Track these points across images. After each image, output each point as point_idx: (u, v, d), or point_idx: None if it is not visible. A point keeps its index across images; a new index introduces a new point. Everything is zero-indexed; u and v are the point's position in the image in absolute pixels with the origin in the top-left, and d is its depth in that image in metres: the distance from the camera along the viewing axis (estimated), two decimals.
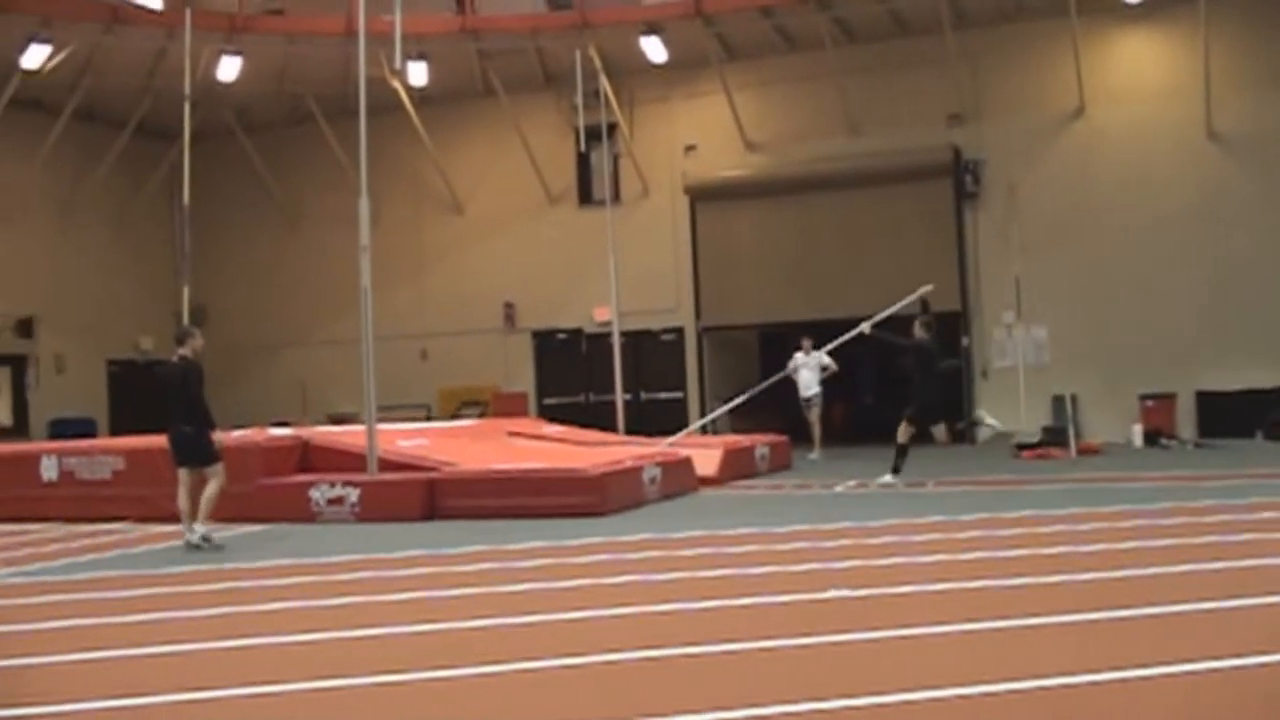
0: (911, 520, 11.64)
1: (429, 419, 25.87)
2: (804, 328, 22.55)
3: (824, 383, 21.45)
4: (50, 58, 23.35)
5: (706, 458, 17.22)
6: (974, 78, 24.03)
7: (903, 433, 16.36)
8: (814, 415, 21.44)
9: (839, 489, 15.78)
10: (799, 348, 21.63)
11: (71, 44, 23.51)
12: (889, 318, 18.19)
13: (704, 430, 23.05)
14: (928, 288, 17.61)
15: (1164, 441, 21.12)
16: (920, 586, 8.00)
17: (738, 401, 20.36)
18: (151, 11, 23.72)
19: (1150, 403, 22.40)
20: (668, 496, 15.24)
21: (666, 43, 24.44)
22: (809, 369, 21.40)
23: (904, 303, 17.94)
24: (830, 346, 19.92)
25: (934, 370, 16.66)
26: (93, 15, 23.53)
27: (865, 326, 17.97)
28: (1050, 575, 8.24)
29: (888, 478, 16.08)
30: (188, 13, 20.70)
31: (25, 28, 22.68)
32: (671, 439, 19.55)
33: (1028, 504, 12.59)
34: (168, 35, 23.06)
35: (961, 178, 24.09)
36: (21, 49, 22.81)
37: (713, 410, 21.60)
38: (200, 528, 12.15)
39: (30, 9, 22.64)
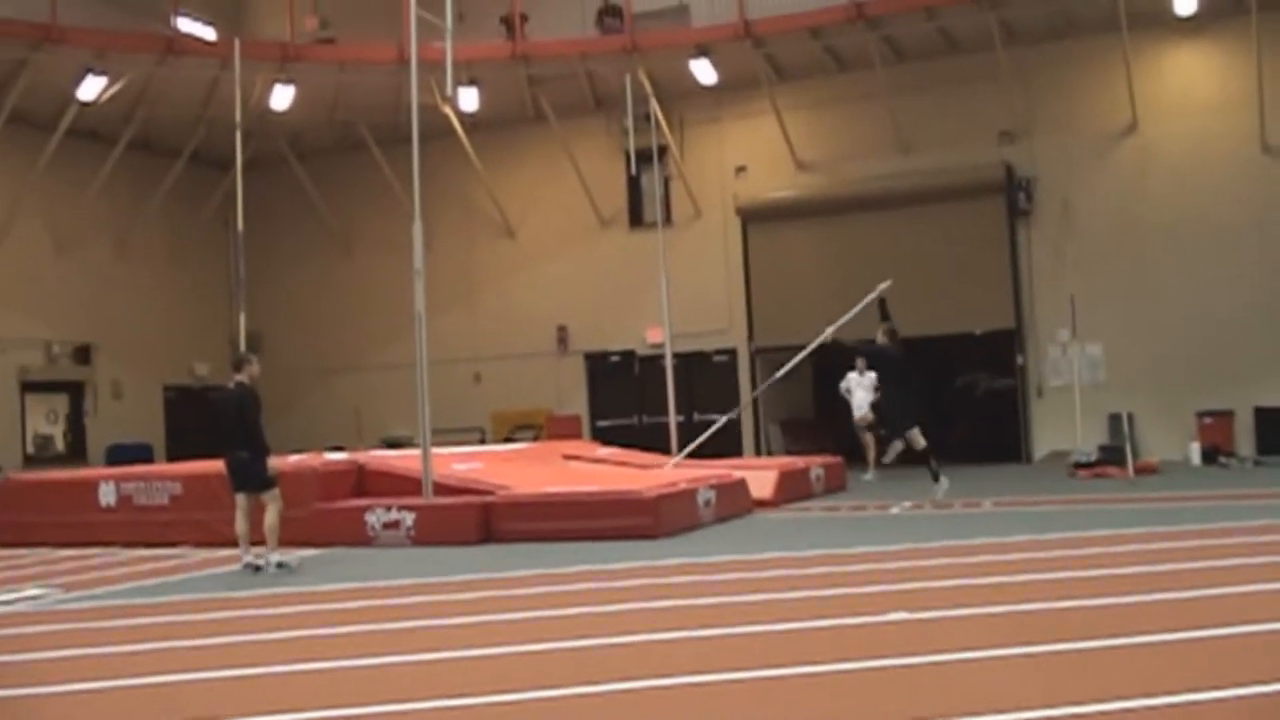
0: (968, 542, 11.55)
1: (483, 442, 25.91)
2: (856, 348, 22.46)
3: (877, 404, 21.34)
4: (106, 89, 23.64)
5: (761, 480, 17.15)
6: (1025, 94, 23.90)
7: (916, 440, 16.42)
8: (868, 436, 21.34)
9: (895, 510, 15.69)
10: (852, 367, 21.56)
11: (126, 75, 23.79)
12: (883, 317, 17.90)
13: (758, 451, 22.98)
14: (885, 285, 17.50)
15: (1222, 459, 20.90)
16: (981, 609, 7.94)
17: (758, 392, 19.93)
18: (205, 42, 23.99)
19: (1208, 420, 22.16)
20: (722, 519, 15.19)
21: (716, 65, 24.46)
22: (863, 389, 21.31)
23: (862, 304, 17.72)
24: (795, 361, 19.62)
25: (905, 377, 16.86)
26: (147, 47, 23.82)
27: (828, 333, 17.83)
28: (1114, 597, 8.16)
29: (939, 490, 16.05)
30: (236, 44, 20.90)
31: (81, 60, 22.98)
32: (675, 459, 19.48)
33: (1088, 524, 12.47)
34: (221, 65, 23.28)
35: (1014, 195, 23.94)
36: (78, 81, 23.10)
37: (724, 417, 21.40)
38: (274, 556, 12.27)
39: (86, 42, 22.94)
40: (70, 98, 23.46)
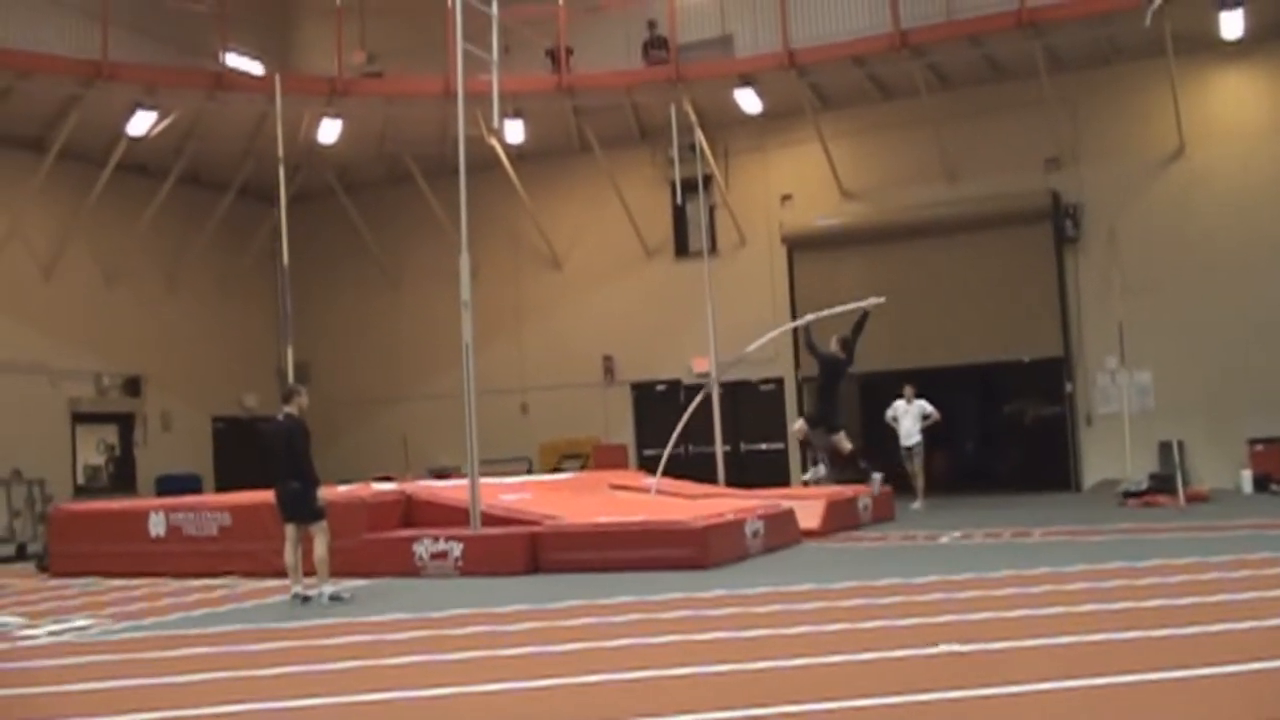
0: (1019, 572, 11.44)
1: (530, 472, 25.93)
2: (903, 376, 22.39)
3: (925, 431, 21.28)
4: (155, 124, 23.92)
5: (809, 509, 17.06)
6: (1071, 121, 23.82)
7: (842, 444, 17.59)
8: (916, 464, 21.23)
9: (944, 540, 15.58)
10: (900, 395, 21.48)
11: (176, 110, 24.07)
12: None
13: (811, 478, 22.87)
14: (876, 300, 17.69)
15: (1274, 487, 20.68)
16: (1034, 641, 7.85)
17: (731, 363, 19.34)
18: (253, 78, 24.21)
19: (1259, 447, 21.91)
20: (770, 549, 15.11)
21: (760, 94, 24.49)
22: (910, 417, 21.22)
23: (849, 308, 17.79)
24: (763, 340, 19.53)
25: (834, 385, 17.59)
26: (196, 83, 24.09)
27: (810, 318, 18.09)
28: (1171, 628, 8.07)
29: (875, 484, 17.17)
30: (277, 80, 21.11)
31: (131, 96, 23.25)
32: (652, 480, 19.42)
33: (1140, 554, 12.33)
34: (269, 100, 23.43)
35: (1061, 222, 23.82)
36: (128, 116, 23.38)
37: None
38: (326, 587, 12.31)
39: (136, 78, 23.23)
40: (120, 133, 23.75)
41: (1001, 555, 13.14)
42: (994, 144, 24.38)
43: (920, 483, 21.14)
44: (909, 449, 21.23)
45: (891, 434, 21.58)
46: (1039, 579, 10.90)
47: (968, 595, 10.18)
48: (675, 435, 18.67)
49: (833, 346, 17.54)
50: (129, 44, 23.91)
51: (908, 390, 21.46)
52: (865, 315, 17.64)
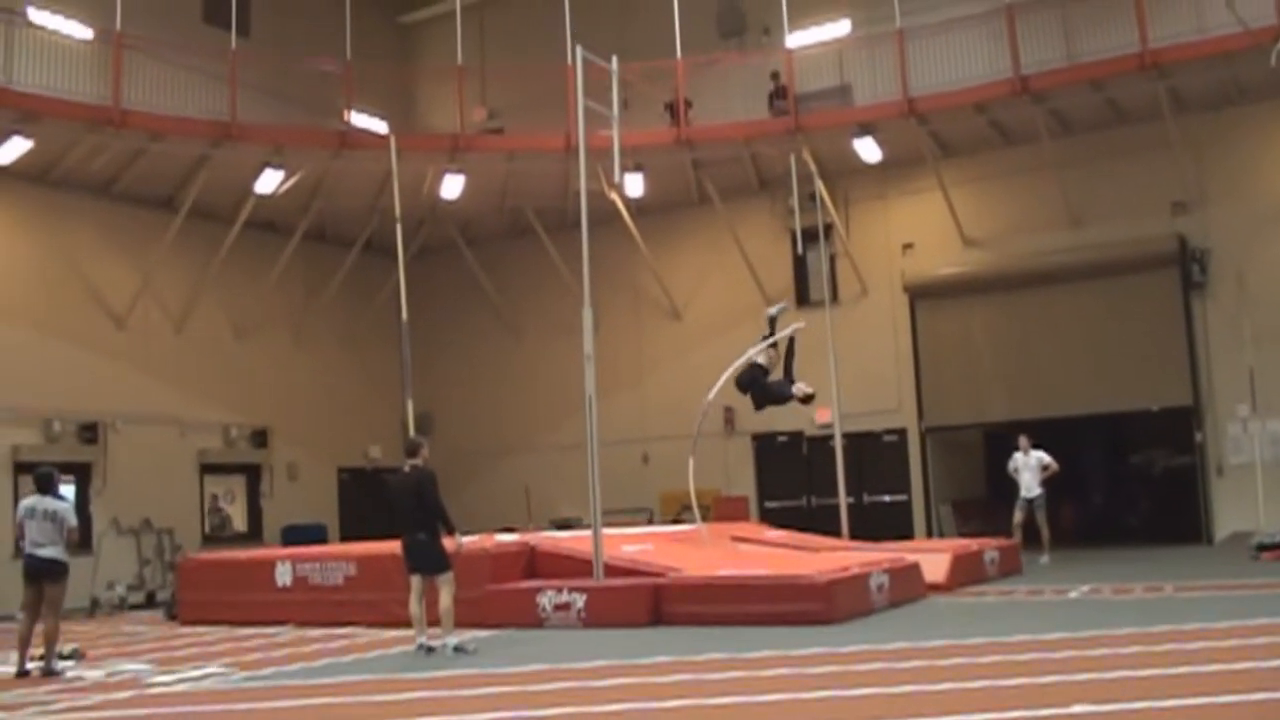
0: (1152, 629, 11.16)
1: (651, 523, 25.89)
2: (1029, 426, 22.02)
3: (1046, 483, 20.85)
4: (283, 182, 24.42)
5: (934, 563, 16.78)
6: (1197, 164, 23.33)
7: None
8: (1040, 518, 20.77)
9: (1073, 594, 15.25)
10: (1018, 447, 21.10)
11: (302, 169, 24.54)
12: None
13: (930, 533, 22.56)
14: (798, 326, 18.20)
15: None
16: (1169, 701, 7.63)
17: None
18: (377, 136, 24.63)
19: None
20: (895, 604, 14.86)
21: (880, 142, 24.37)
22: (1029, 470, 20.82)
23: (777, 337, 17.68)
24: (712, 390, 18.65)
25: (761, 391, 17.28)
26: (322, 142, 24.55)
27: (752, 353, 17.79)
28: None
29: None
30: (392, 140, 21.43)
31: (259, 155, 23.76)
32: (773, 533, 19.18)
33: (1275, 610, 11.96)
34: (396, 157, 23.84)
35: (1188, 267, 23.30)
36: (256, 175, 23.90)
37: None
38: (451, 638, 12.37)
39: (264, 138, 23.74)
40: (249, 191, 24.27)
41: (1133, 611, 12.84)
42: (1118, 189, 23.97)
43: (1045, 535, 20.69)
44: (1030, 501, 20.82)
45: (1016, 486, 21.17)
46: (1169, 636, 10.61)
47: (1100, 652, 9.93)
48: None
49: (761, 360, 17.49)
50: (257, 105, 24.47)
51: (1023, 441, 21.06)
52: (792, 341, 17.66)
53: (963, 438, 26.54)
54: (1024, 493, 20.84)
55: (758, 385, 17.36)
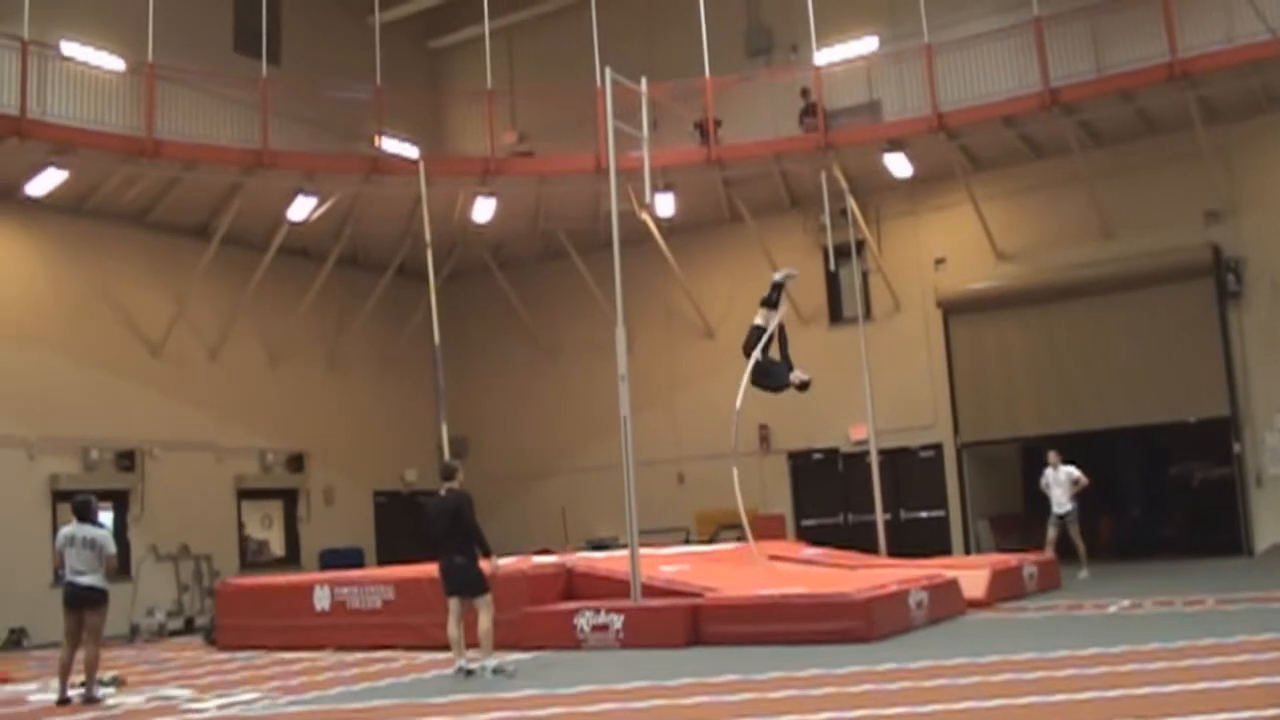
0: (1194, 642, 11.06)
1: (687, 542, 25.85)
2: (1065, 440, 21.90)
3: (1079, 497, 20.70)
4: (315, 209, 24.51)
5: (973, 579, 16.69)
6: (1229, 172, 23.15)
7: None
8: (1073, 533, 20.63)
9: (1112, 609, 15.15)
10: (1048, 463, 20.98)
11: (334, 195, 24.64)
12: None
13: (967, 549, 22.44)
14: (791, 271, 18.33)
15: None
16: (1214, 716, 7.56)
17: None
18: (408, 161, 24.72)
19: None
20: (934, 621, 14.80)
21: (910, 157, 24.31)
22: (1059, 485, 20.70)
23: (770, 329, 17.29)
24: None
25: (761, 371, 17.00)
26: (353, 168, 24.67)
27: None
28: None
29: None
30: (421, 166, 21.54)
31: (291, 182, 23.87)
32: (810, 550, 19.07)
33: None
34: (425, 182, 23.87)
35: (1223, 277, 23.13)
36: (288, 202, 24.00)
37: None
38: (490, 661, 12.40)
39: (295, 165, 23.87)
40: (281, 218, 24.39)
41: (1174, 624, 12.74)
42: (1150, 199, 23.81)
43: (1082, 550, 20.54)
44: (1061, 517, 20.68)
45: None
46: (1212, 649, 10.53)
47: (1142, 667, 9.86)
48: None
49: (757, 319, 17.31)
50: (288, 132, 24.60)
51: (1053, 456, 20.93)
52: (783, 328, 17.47)
53: (999, 453, 26.39)
54: (1055, 509, 20.72)
55: (758, 368, 17.19)
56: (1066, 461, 20.86)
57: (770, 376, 17.04)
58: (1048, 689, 9.09)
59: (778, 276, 17.86)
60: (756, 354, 17.01)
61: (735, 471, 17.79)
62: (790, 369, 16.98)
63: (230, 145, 23.47)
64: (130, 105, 22.61)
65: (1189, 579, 18.28)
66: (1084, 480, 20.61)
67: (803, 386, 16.93)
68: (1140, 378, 23.39)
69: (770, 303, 17.39)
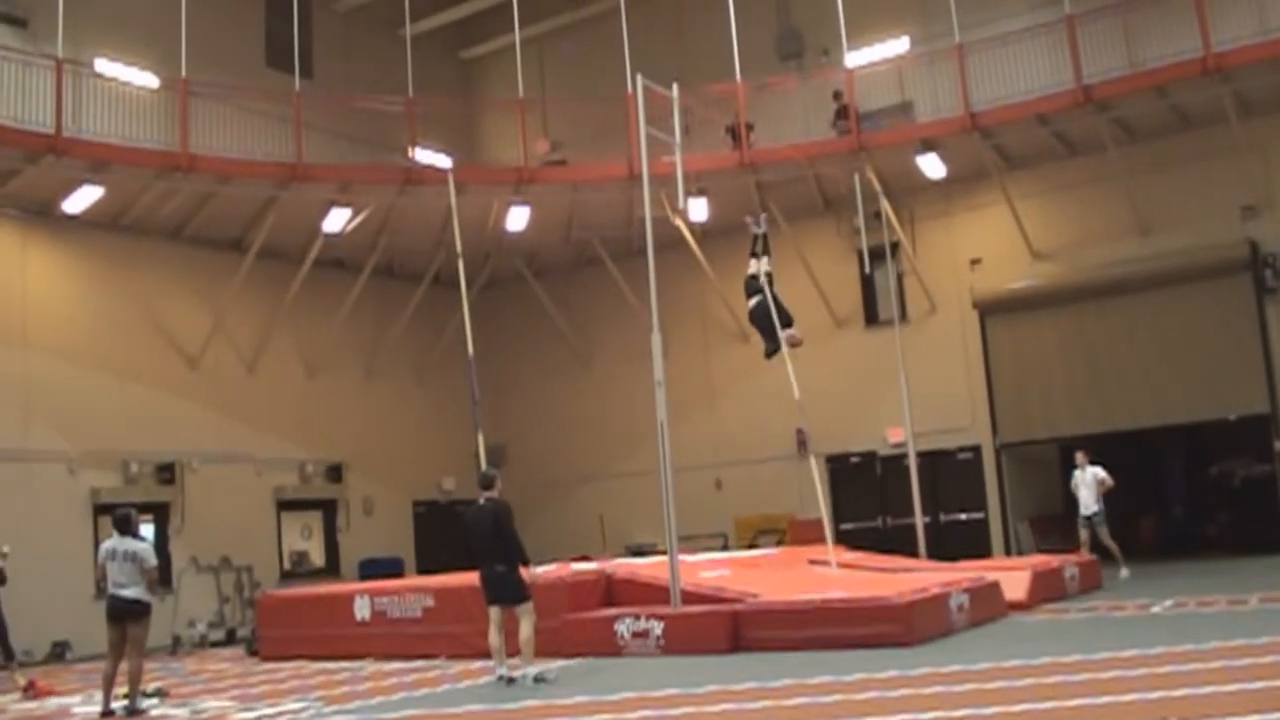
0: (1242, 642, 10.95)
1: (725, 548, 25.81)
2: (1105, 439, 21.75)
3: (1106, 497, 20.55)
4: (350, 221, 24.63)
5: (1014, 581, 16.58)
6: (1265, 167, 22.92)
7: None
8: (1103, 534, 20.49)
9: (1156, 609, 15.03)
10: (1075, 465, 20.85)
11: (368, 206, 24.72)
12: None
13: (1008, 550, 22.30)
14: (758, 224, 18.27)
15: None
16: (1262, 718, 7.50)
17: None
18: (441, 171, 24.79)
19: None
20: (975, 624, 14.69)
21: (944, 158, 24.21)
22: (1086, 486, 20.57)
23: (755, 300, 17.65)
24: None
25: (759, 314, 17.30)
26: (387, 179, 24.76)
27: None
28: None
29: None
30: (450, 178, 21.57)
31: (325, 194, 24.00)
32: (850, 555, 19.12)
33: None
34: (459, 191, 23.91)
35: (1261, 273, 22.91)
36: (323, 214, 24.12)
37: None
38: (531, 668, 12.41)
39: (330, 177, 24.00)
40: (316, 230, 24.50)
41: (1219, 624, 12.64)
42: (1186, 195, 23.62)
43: (1115, 550, 20.38)
44: (1089, 519, 20.55)
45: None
46: (1259, 649, 10.42)
47: (1189, 668, 9.79)
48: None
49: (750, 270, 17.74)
50: (322, 145, 24.74)
51: (1080, 457, 20.79)
52: (770, 276, 17.77)
53: (1038, 453, 26.22)
54: (1082, 510, 20.62)
55: (760, 306, 17.26)
56: (1094, 462, 20.72)
57: (768, 318, 17.15)
58: (1094, 691, 9.03)
59: (757, 230, 18.12)
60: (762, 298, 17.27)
61: (814, 464, 17.98)
62: (787, 325, 17.38)
63: (264, 159, 23.61)
64: (164, 121, 22.79)
65: (1232, 578, 18.12)
66: (1109, 481, 20.48)
67: (794, 344, 17.39)
68: (1179, 375, 23.22)
69: (756, 254, 17.83)
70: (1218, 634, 11.56)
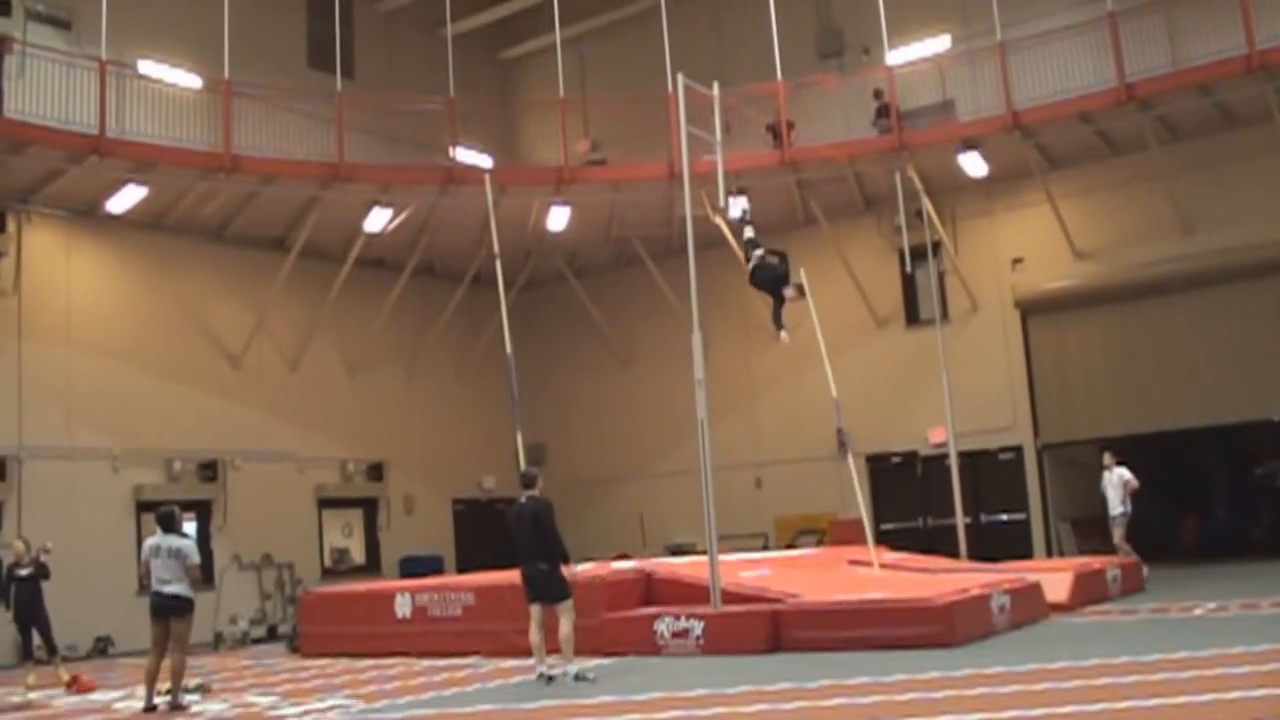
0: None
1: (765, 547, 25.77)
2: (1148, 440, 21.58)
3: (1132, 498, 20.43)
4: (391, 220, 24.72)
5: (1056, 582, 16.50)
6: None
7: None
8: (1118, 535, 20.38)
9: (1199, 611, 14.92)
10: (1106, 467, 20.74)
11: (409, 206, 24.81)
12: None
13: (1049, 552, 22.15)
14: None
15: None
16: None
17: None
18: (482, 171, 24.84)
19: None
20: (1016, 625, 14.62)
21: (985, 157, 24.07)
22: (1112, 488, 20.47)
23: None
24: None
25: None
26: (428, 179, 24.82)
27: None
28: None
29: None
30: (487, 179, 21.50)
31: (367, 195, 24.09)
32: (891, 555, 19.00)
33: None
34: (499, 191, 23.98)
35: None
36: (364, 214, 24.21)
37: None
38: (571, 667, 12.46)
39: (371, 178, 24.09)
40: (358, 230, 24.59)
41: (1266, 627, 12.52)
42: (1230, 194, 23.38)
43: (1128, 552, 20.24)
44: (1114, 518, 20.45)
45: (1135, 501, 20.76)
46: None
47: (1236, 671, 9.70)
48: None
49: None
50: (363, 145, 24.84)
51: (1107, 458, 20.68)
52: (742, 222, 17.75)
53: (1080, 454, 26.00)
54: (1110, 510, 20.52)
55: (757, 268, 17.17)
56: (1121, 463, 20.63)
57: (767, 269, 17.10)
58: (1144, 693, 8.97)
59: (736, 214, 18.49)
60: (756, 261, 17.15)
61: (851, 460, 17.90)
62: (786, 283, 17.35)
63: (306, 159, 23.71)
64: (207, 122, 22.92)
65: (1276, 580, 17.96)
66: (1134, 483, 20.39)
67: (800, 292, 17.66)
68: (1222, 375, 23.02)
69: (743, 224, 17.80)
70: (1267, 637, 11.45)
